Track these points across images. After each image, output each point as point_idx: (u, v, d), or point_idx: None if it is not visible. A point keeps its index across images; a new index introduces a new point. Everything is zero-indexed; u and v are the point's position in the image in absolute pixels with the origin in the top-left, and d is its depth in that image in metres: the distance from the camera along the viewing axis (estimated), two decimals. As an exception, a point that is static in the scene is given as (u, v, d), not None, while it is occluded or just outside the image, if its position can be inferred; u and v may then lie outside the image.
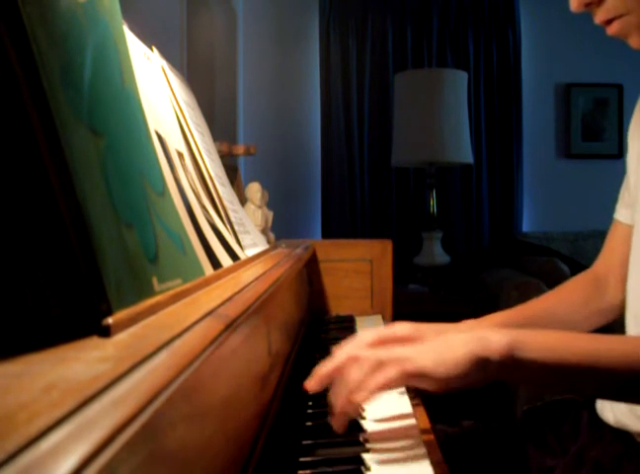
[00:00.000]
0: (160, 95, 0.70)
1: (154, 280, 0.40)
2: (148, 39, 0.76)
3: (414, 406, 0.70)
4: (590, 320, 0.91)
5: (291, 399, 0.65)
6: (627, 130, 0.90)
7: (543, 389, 0.65)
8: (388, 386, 0.55)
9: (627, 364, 0.58)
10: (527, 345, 0.57)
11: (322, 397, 0.66)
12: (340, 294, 1.38)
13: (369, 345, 0.63)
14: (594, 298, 0.91)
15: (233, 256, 0.72)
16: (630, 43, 0.73)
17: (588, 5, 0.72)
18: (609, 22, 0.72)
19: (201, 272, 0.54)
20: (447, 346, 0.57)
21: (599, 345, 0.60)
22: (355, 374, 0.56)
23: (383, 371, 0.55)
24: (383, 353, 0.57)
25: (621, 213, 0.92)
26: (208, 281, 0.54)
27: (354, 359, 0.57)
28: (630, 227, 0.89)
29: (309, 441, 0.59)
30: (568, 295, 0.92)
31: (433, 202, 2.61)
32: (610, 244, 0.94)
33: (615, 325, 0.85)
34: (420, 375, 0.55)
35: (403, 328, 0.71)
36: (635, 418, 0.75)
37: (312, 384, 0.59)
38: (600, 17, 0.72)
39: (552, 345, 0.58)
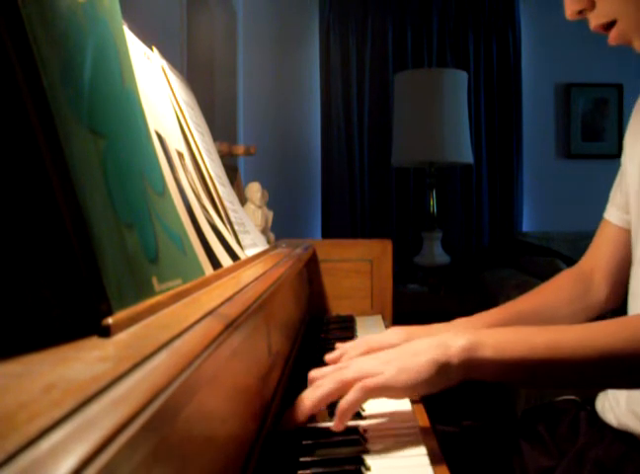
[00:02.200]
0: (160, 95, 0.70)
1: (154, 280, 0.40)
2: (148, 39, 0.76)
3: (413, 404, 0.70)
4: (575, 316, 0.92)
5: (292, 399, 0.65)
6: (625, 132, 0.90)
7: (509, 383, 0.68)
8: (355, 407, 0.58)
9: (584, 350, 0.59)
10: (484, 345, 0.59)
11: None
12: (340, 294, 1.38)
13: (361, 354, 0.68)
14: (579, 295, 0.92)
15: (233, 256, 0.72)
16: (635, 48, 0.74)
17: (580, 12, 0.73)
18: (607, 29, 0.73)
19: (201, 272, 0.54)
20: (412, 353, 0.60)
21: (557, 335, 0.61)
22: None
23: (346, 396, 0.57)
24: (346, 371, 0.60)
25: (611, 214, 0.92)
26: (208, 281, 0.54)
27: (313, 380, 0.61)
28: (619, 228, 0.90)
29: (309, 441, 0.59)
30: (554, 292, 0.93)
31: (433, 202, 2.61)
32: (597, 242, 0.95)
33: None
34: (382, 389, 0.58)
35: (397, 334, 0.73)
36: (637, 420, 0.75)
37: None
38: (593, 22, 0.74)
39: (509, 342, 0.60)
